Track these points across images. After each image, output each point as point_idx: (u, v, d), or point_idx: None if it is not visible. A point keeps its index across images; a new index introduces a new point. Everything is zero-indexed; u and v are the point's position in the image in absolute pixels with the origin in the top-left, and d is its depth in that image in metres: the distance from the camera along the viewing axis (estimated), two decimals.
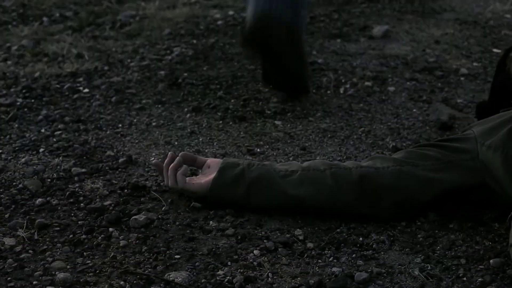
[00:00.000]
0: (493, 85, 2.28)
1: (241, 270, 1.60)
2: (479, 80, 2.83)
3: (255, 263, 1.63)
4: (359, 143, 2.26)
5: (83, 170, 2.06)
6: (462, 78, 2.84)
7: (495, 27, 3.45)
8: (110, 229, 1.75)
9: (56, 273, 1.58)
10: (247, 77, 2.78)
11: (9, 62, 3.02)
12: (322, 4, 3.66)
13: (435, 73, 2.85)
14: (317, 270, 1.61)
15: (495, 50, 3.15)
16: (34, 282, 1.55)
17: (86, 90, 2.69)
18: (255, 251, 1.67)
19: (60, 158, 2.14)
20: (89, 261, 1.63)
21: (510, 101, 2.05)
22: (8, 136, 2.32)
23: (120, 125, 2.39)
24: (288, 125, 2.38)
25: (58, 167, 2.09)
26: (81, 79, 2.80)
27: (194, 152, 2.17)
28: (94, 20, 3.51)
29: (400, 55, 3.03)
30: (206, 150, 2.20)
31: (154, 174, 2.03)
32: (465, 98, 2.65)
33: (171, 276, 1.56)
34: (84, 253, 1.66)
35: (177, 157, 1.91)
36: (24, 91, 2.69)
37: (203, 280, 1.56)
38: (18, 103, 2.58)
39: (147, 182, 1.99)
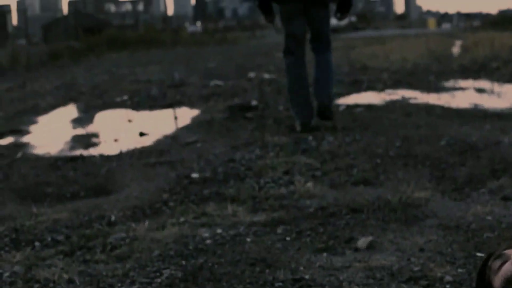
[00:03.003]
0: None
1: None
2: (464, 286, 2.87)
3: None
4: None
5: None
6: (447, 286, 2.87)
7: (477, 230, 3.52)
8: None
9: None
10: None
11: None
12: (307, 218, 3.76)
13: (421, 283, 2.89)
14: None
15: (478, 254, 3.21)
16: None
17: None
18: None
19: None
20: None
21: None
22: None
23: None
24: None
25: None
26: None
27: None
28: (85, 243, 3.58)
29: (386, 266, 3.08)
30: None
31: None
32: None
33: None
34: None
35: None
36: None
37: None
38: None
39: None
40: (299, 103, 6.27)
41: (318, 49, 6.33)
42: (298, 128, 6.27)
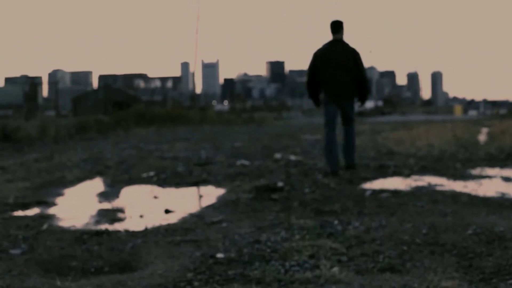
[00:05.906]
0: None
1: None
2: None
3: None
4: None
5: None
6: None
7: None
8: None
9: None
10: None
11: None
12: None
13: None
14: None
15: None
16: None
17: None
18: None
19: None
20: None
21: None
22: None
23: None
24: None
25: None
26: None
27: None
28: None
29: None
30: None
31: None
32: None
33: None
34: None
35: None
36: None
37: None
38: None
39: None
40: (329, 158, 9.48)
41: (346, 123, 9.76)
42: (328, 172, 9.50)
